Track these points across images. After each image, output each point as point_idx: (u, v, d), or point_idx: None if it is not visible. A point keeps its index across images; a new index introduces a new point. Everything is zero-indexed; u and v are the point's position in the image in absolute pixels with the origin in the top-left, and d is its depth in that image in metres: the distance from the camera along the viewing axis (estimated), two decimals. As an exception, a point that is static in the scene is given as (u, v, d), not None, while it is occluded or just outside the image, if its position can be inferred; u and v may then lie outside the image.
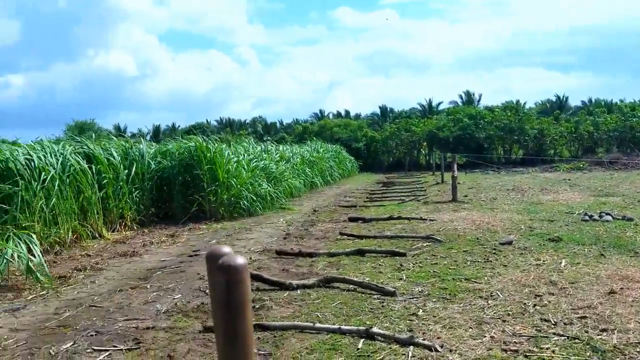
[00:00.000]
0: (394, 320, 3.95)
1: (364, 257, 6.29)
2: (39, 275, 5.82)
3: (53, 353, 3.62)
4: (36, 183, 7.78)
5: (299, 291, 4.90)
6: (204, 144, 11.21)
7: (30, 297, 5.34)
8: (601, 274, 4.99)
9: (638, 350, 3.18)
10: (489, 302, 4.24)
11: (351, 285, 4.95)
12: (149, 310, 4.61)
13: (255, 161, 12.93)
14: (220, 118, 64.06)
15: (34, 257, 5.90)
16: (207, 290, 5.15)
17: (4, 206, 7.36)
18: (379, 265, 5.88)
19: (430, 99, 53.57)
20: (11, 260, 6.05)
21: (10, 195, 7.44)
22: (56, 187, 8.07)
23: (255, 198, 11.47)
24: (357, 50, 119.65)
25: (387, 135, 33.11)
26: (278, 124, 62.04)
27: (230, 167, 11.21)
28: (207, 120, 60.06)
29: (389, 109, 56.05)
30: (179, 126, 57.14)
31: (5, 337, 4.05)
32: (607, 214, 8.25)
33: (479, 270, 5.34)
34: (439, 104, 52.94)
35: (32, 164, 7.95)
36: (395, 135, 32.63)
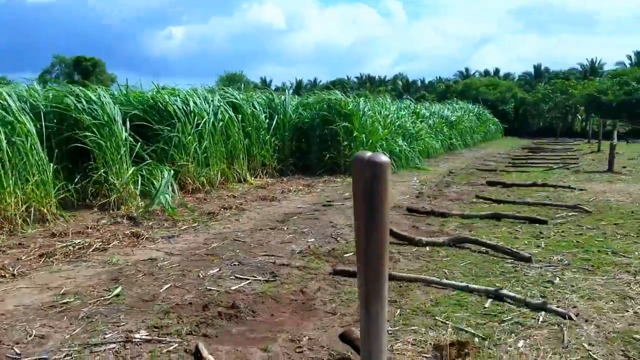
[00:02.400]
0: (527, 285, 3.75)
1: (499, 222, 6.00)
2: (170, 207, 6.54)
3: (201, 276, 4.07)
4: (191, 126, 8.58)
5: (427, 248, 4.86)
6: (342, 98, 11.36)
7: (184, 227, 6.00)
8: None
9: None
10: (637, 277, 3.81)
11: (483, 248, 4.78)
12: (285, 249, 4.93)
13: (392, 118, 12.81)
14: (360, 74, 64.26)
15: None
16: (339, 238, 5.35)
17: (163, 146, 8.26)
18: (516, 231, 5.57)
19: (592, 59, 48.11)
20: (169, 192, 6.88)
21: (170, 137, 8.32)
22: (208, 131, 8.81)
23: (389, 155, 11.45)
24: (512, 2, 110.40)
25: (540, 97, 30.55)
26: (419, 82, 60.53)
27: (366, 122, 11.26)
28: (347, 77, 60.70)
29: (543, 69, 51.54)
30: (320, 81, 58.60)
31: (162, 259, 4.64)
32: None
33: (630, 245, 4.81)
34: (603, 65, 47.25)
35: (188, 108, 8.73)
36: (549, 97, 30.00)
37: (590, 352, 2.62)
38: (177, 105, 8.49)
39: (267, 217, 6.62)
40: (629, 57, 47.23)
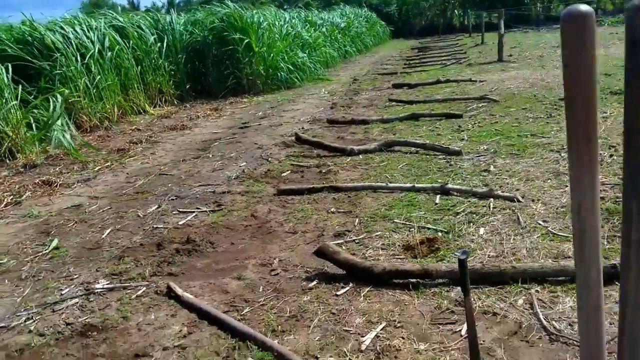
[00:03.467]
0: (466, 177, 3.97)
1: (418, 122, 6.21)
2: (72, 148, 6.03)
3: (141, 215, 3.81)
4: (75, 58, 7.68)
5: (360, 156, 4.93)
6: (235, 10, 10.67)
7: (97, 168, 5.52)
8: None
9: None
10: (562, 154, 4.19)
11: (413, 148, 4.95)
12: (219, 177, 4.74)
13: (287, 29, 12.38)
14: (238, -13, 60.60)
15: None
16: (270, 159, 5.24)
17: (46, 85, 7.34)
18: (436, 128, 5.81)
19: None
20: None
21: (54, 73, 7.39)
22: (95, 62, 7.96)
23: (292, 69, 11.19)
24: None
25: (422, -5, 31.13)
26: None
27: (263, 35, 10.77)
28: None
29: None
30: (194, -1, 54.35)
31: (87, 204, 4.26)
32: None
33: (544, 126, 5.25)
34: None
35: (69, 40, 7.77)
36: (430, -6, 30.67)
37: (547, 228, 2.87)
38: (56, 38, 7.49)
39: (184, 147, 6.28)
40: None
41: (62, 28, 8.07)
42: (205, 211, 3.82)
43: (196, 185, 4.52)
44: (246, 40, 10.34)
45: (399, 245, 2.93)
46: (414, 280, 2.50)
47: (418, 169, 4.34)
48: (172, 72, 10.30)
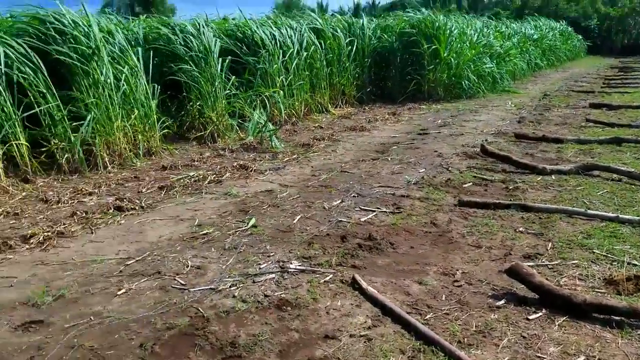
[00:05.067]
0: (685, 217, 3.44)
1: (621, 147, 5.58)
2: (275, 141, 6.53)
3: (327, 207, 4.03)
4: (278, 57, 8.36)
5: (553, 176, 4.57)
6: (428, 17, 10.66)
7: (285, 159, 5.96)
8: None
9: None
10: None
11: (615, 175, 4.45)
12: (398, 180, 4.80)
13: (479, 38, 11.98)
14: (423, -7, 60.35)
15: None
16: (450, 168, 5.14)
17: (249, 77, 8.13)
18: (644, 156, 5.15)
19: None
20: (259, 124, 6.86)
21: (257, 68, 8.16)
22: (294, 62, 8.58)
23: (477, 79, 10.83)
24: None
25: (626, 12, 27.74)
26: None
27: (452, 43, 10.60)
28: (409, -3, 57.27)
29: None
30: (379, 3, 55.40)
31: (278, 190, 4.63)
32: None
33: None
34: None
35: (275, 39, 8.47)
36: (636, 12, 27.18)
37: None
38: (266, 36, 8.24)
39: (363, 148, 6.47)
40: None
41: (271, 27, 8.83)
42: (385, 212, 3.90)
43: (376, 185, 4.63)
44: (433, 47, 10.28)
45: (599, 278, 2.67)
46: (617, 317, 2.26)
47: (622, 199, 3.89)
48: (357, 75, 10.69)
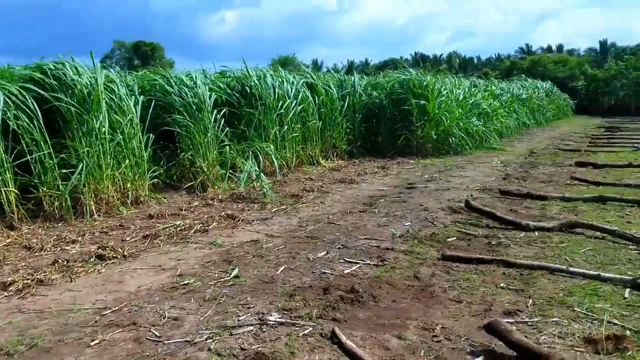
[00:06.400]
0: (665, 275, 3.46)
1: (605, 205, 5.64)
2: (268, 190, 6.58)
3: (311, 259, 4.03)
4: (274, 110, 8.55)
5: (536, 233, 4.62)
6: (416, 77, 11.04)
7: (274, 209, 5.99)
8: None
9: None
10: None
11: (599, 233, 4.49)
12: (383, 233, 4.82)
13: (467, 96, 12.35)
14: (415, 53, 62.27)
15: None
16: (435, 222, 5.18)
17: (243, 128, 8.28)
18: (626, 215, 5.22)
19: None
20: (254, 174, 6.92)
21: (251, 119, 8.32)
22: (290, 114, 8.76)
23: (464, 136, 11.08)
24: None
25: (613, 74, 28.80)
26: (475, 60, 58.46)
27: (442, 102, 10.91)
28: (400, 56, 59.09)
29: (609, 44, 48.50)
30: (371, 61, 57.07)
31: (265, 240, 4.63)
32: None
33: None
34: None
35: (272, 91, 8.67)
36: (622, 74, 28.22)
37: None
38: (265, 87, 8.46)
39: (352, 200, 6.52)
40: None
41: (272, 76, 9.03)
42: (369, 264, 3.90)
43: (362, 237, 4.65)
44: (422, 104, 10.57)
45: (578, 337, 2.65)
46: (595, 378, 2.24)
47: (604, 257, 3.92)
48: (348, 129, 10.92)
